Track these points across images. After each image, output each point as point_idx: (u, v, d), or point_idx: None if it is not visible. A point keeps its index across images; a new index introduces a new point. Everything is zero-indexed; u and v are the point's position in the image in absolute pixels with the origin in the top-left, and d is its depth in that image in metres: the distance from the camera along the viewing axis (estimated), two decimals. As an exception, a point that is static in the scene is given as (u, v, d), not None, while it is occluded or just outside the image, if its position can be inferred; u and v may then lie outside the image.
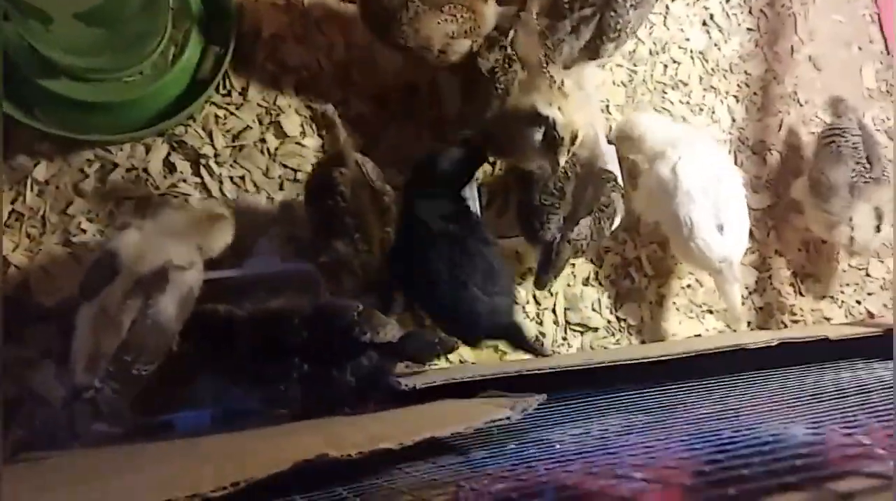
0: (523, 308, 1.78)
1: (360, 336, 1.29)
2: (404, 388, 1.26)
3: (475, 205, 1.58)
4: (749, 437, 0.74)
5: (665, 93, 2.04)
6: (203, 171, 1.62)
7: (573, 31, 1.55)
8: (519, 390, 1.22)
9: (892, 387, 1.18)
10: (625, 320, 1.86)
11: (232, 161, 1.65)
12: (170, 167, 1.61)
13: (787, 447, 0.67)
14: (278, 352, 1.31)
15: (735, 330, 1.94)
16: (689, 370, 1.39)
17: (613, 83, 2.00)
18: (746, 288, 1.99)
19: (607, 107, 1.98)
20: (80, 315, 1.24)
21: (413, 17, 1.46)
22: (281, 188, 1.66)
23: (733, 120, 2.10)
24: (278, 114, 1.69)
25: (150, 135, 1.59)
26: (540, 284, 1.56)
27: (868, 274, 2.14)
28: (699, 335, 1.92)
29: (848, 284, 2.11)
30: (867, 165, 1.86)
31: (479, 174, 1.61)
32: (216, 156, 1.64)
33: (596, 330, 1.83)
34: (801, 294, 2.05)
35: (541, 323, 1.79)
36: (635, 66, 2.03)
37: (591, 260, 1.86)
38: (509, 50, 1.48)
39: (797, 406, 1.09)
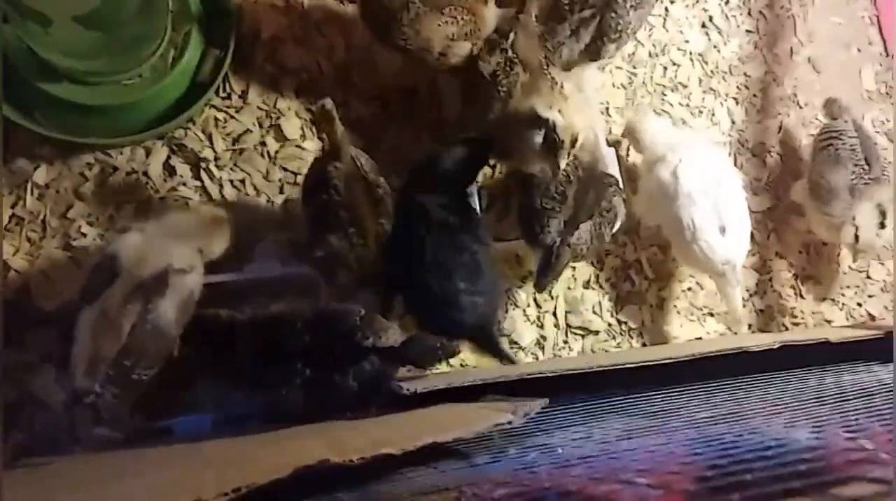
0: (524, 311, 1.78)
1: (362, 340, 1.29)
2: (406, 393, 1.26)
3: (476, 206, 1.58)
4: (752, 441, 0.74)
5: (665, 95, 2.04)
6: (203, 175, 1.62)
7: (573, 33, 1.55)
8: (520, 394, 1.21)
9: (893, 390, 1.17)
10: (626, 323, 1.86)
11: (232, 164, 1.64)
12: (170, 170, 1.61)
13: (791, 451, 0.66)
14: (280, 357, 1.31)
15: (736, 333, 1.94)
16: (691, 373, 1.39)
17: (613, 85, 2.00)
18: (747, 290, 1.99)
19: (607, 109, 1.98)
20: (80, 319, 1.24)
21: (414, 18, 1.46)
22: (281, 191, 1.66)
23: (733, 122, 2.10)
24: (278, 117, 1.69)
25: (150, 139, 1.59)
26: (539, 287, 1.56)
27: (869, 277, 2.14)
28: (700, 338, 1.92)
29: (849, 286, 2.11)
30: (866, 166, 1.86)
31: (479, 177, 1.61)
32: (216, 159, 1.64)
33: (597, 333, 1.82)
34: (801, 296, 2.05)
35: (541, 327, 1.79)
36: (635, 68, 2.03)
37: (592, 263, 1.86)
38: (510, 52, 1.48)
39: (799, 409, 1.09)
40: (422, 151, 1.71)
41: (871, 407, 1.03)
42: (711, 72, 2.11)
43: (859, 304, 2.11)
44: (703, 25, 2.14)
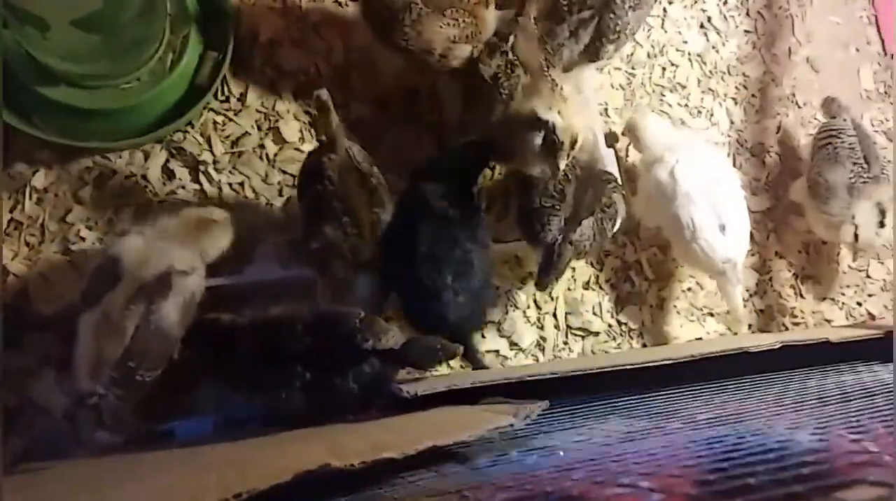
0: (524, 312, 1.78)
1: (362, 343, 1.29)
2: (406, 395, 1.25)
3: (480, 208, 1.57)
4: (754, 444, 0.74)
5: (663, 95, 2.04)
6: (202, 178, 1.62)
7: (573, 34, 1.55)
8: (521, 396, 1.21)
9: (893, 391, 1.17)
10: (626, 324, 1.85)
11: (231, 167, 1.64)
12: (169, 174, 1.60)
13: (793, 454, 0.66)
14: (280, 360, 1.30)
15: (736, 333, 1.94)
16: (692, 374, 1.39)
17: (612, 86, 2.00)
18: (747, 290, 1.99)
19: (606, 110, 1.98)
20: (82, 321, 1.24)
21: (416, 19, 1.47)
22: (280, 194, 1.66)
23: (732, 122, 2.10)
24: (277, 120, 1.69)
25: (149, 142, 1.58)
26: (541, 286, 1.55)
27: (868, 276, 2.14)
28: (700, 338, 1.92)
29: (848, 286, 2.11)
30: (865, 165, 1.86)
31: (479, 179, 1.60)
32: (215, 162, 1.63)
33: (597, 334, 1.82)
34: (801, 296, 2.05)
35: (542, 328, 1.79)
36: (633, 69, 2.03)
37: (592, 264, 1.86)
38: (510, 55, 1.48)
39: (801, 410, 1.09)
40: (422, 153, 1.71)
41: (872, 407, 1.03)
42: (710, 72, 2.11)
43: (859, 303, 2.11)
44: (702, 26, 2.14)
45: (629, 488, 0.65)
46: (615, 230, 1.62)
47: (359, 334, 1.30)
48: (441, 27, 1.49)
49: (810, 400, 1.17)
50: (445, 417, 1.20)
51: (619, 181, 1.65)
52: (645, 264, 1.90)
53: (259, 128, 1.68)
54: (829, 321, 2.07)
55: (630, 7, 1.56)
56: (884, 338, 1.52)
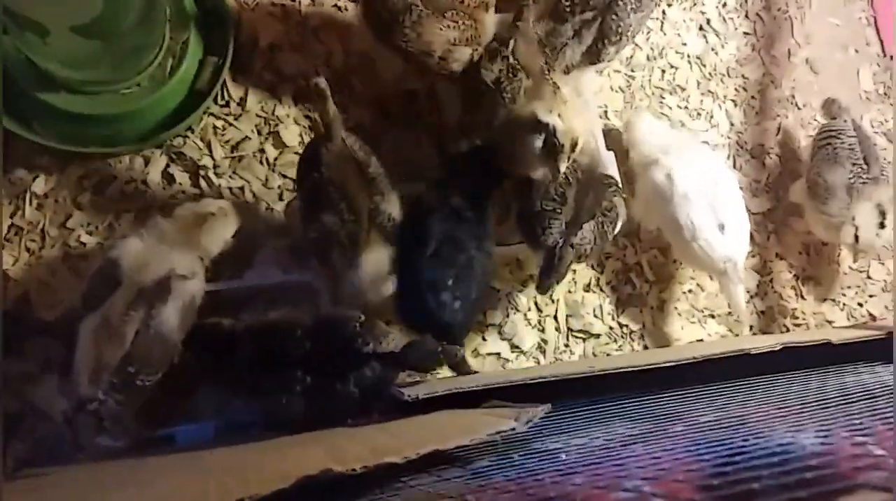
0: (525, 315, 1.78)
1: (363, 346, 1.29)
2: (407, 399, 1.25)
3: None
4: (757, 447, 0.74)
5: (663, 98, 2.04)
6: (202, 183, 1.62)
7: (575, 35, 1.55)
8: (522, 399, 1.21)
9: (893, 391, 1.17)
10: (627, 326, 1.85)
11: (231, 172, 1.64)
12: (169, 179, 1.60)
13: (797, 458, 0.66)
14: (280, 364, 1.30)
15: (738, 333, 1.94)
16: (693, 376, 1.38)
17: (611, 89, 2.00)
18: (748, 291, 1.99)
19: (605, 112, 1.98)
20: (82, 326, 1.24)
21: (416, 21, 1.47)
22: (281, 198, 1.66)
23: (731, 124, 2.10)
24: (277, 124, 1.69)
25: (149, 147, 1.58)
26: (542, 289, 1.55)
27: (869, 277, 2.13)
28: (701, 340, 1.92)
29: (849, 287, 2.11)
30: (864, 166, 1.86)
31: (493, 184, 1.60)
32: (215, 167, 1.63)
33: (598, 336, 1.82)
34: (802, 297, 2.05)
35: (542, 330, 1.78)
36: (633, 71, 2.03)
37: (593, 267, 1.86)
38: (511, 59, 1.48)
39: (803, 412, 1.09)
40: (422, 156, 1.71)
41: (875, 409, 1.03)
42: (709, 74, 2.11)
43: (860, 304, 2.11)
44: (701, 28, 2.14)
45: (632, 493, 0.65)
46: (615, 233, 1.62)
47: (359, 338, 1.30)
48: (441, 29, 1.49)
49: (812, 401, 1.16)
50: (447, 421, 1.19)
51: (620, 184, 1.65)
52: (646, 266, 1.90)
53: (259, 133, 1.68)
54: (830, 322, 2.07)
55: (632, 9, 1.56)
56: (885, 339, 1.52)
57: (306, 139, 1.70)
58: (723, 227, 1.68)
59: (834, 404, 1.12)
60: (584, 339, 1.81)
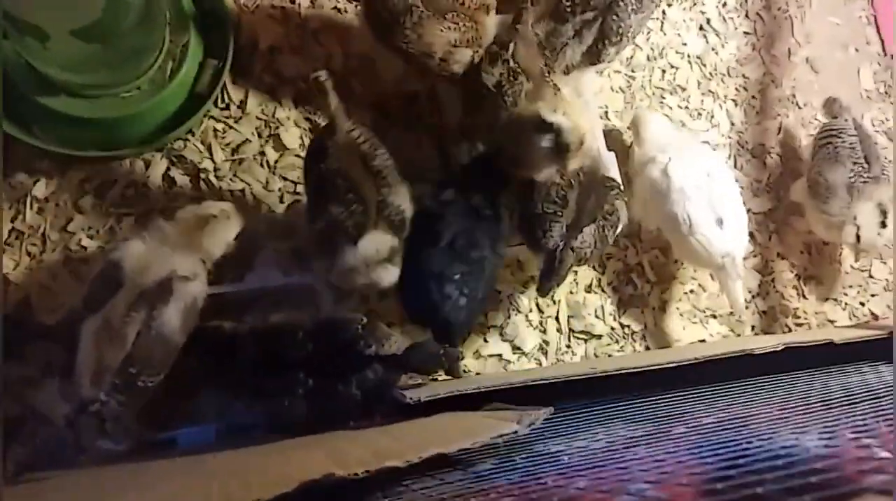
0: (526, 316, 1.77)
1: (365, 349, 1.29)
2: (409, 401, 1.25)
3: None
4: (761, 450, 0.73)
5: (663, 98, 2.04)
6: (203, 186, 1.61)
7: (576, 35, 1.55)
8: (524, 401, 1.21)
9: (893, 391, 1.17)
10: (628, 327, 1.85)
11: (232, 175, 1.64)
12: (169, 182, 1.60)
13: (802, 461, 0.66)
14: (282, 367, 1.30)
15: (740, 333, 1.94)
16: (695, 377, 1.38)
17: (612, 89, 2.00)
18: (749, 291, 1.99)
19: (606, 113, 1.98)
20: (84, 328, 1.24)
21: (416, 22, 1.47)
22: (281, 201, 1.66)
23: (732, 124, 2.10)
24: (277, 127, 1.69)
25: (149, 151, 1.58)
26: (543, 291, 1.55)
27: (871, 276, 2.13)
28: (703, 340, 1.91)
29: (851, 286, 2.11)
30: (865, 165, 1.86)
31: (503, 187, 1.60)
32: (216, 170, 1.63)
33: (599, 337, 1.82)
34: (804, 296, 2.05)
35: (544, 332, 1.78)
36: (633, 71, 2.02)
37: (594, 267, 1.85)
38: (512, 63, 1.48)
39: (807, 413, 1.08)
40: (423, 157, 1.71)
41: (879, 409, 1.02)
42: (710, 74, 2.11)
43: (862, 303, 2.11)
44: (701, 28, 2.14)
45: (635, 497, 0.65)
46: (616, 236, 1.62)
47: (361, 340, 1.30)
48: (441, 31, 1.49)
49: (815, 402, 1.16)
50: (449, 424, 1.19)
51: (621, 185, 1.64)
52: (647, 267, 1.89)
53: (259, 136, 1.68)
54: (832, 322, 2.07)
55: (633, 10, 1.56)
56: (887, 338, 1.52)
57: (307, 141, 1.70)
58: (721, 222, 1.68)
59: (837, 405, 1.12)
60: (585, 340, 1.81)
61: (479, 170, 1.51)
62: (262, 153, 1.67)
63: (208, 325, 1.36)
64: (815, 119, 2.16)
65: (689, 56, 2.09)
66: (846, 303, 2.09)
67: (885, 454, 0.66)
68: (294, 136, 1.69)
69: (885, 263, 2.13)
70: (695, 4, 2.15)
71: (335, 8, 1.79)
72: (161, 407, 1.43)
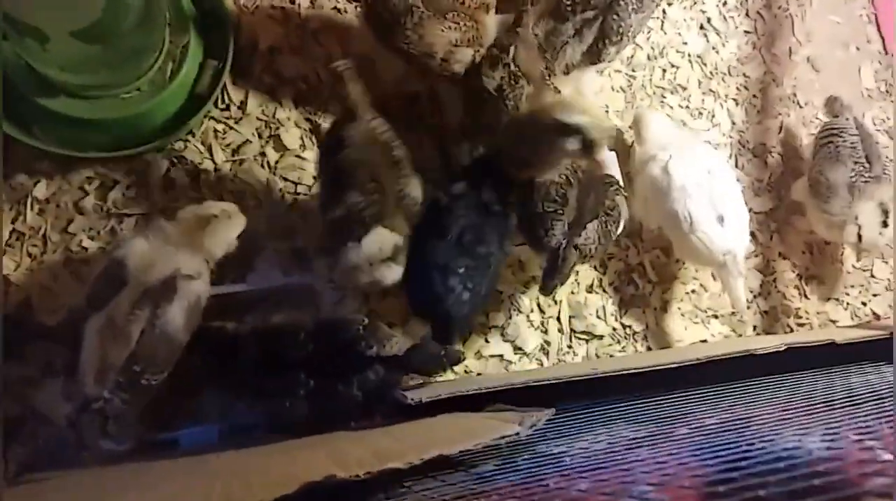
0: (528, 316, 1.77)
1: (366, 350, 1.29)
2: (411, 402, 1.25)
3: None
4: (764, 452, 0.73)
5: (664, 97, 2.03)
6: (203, 186, 1.61)
7: (576, 34, 1.55)
8: (526, 402, 1.21)
9: (893, 390, 1.17)
10: (630, 327, 1.85)
11: (232, 175, 1.64)
12: (170, 183, 1.60)
13: (804, 463, 0.65)
14: (284, 367, 1.30)
15: (740, 330, 1.94)
16: (697, 377, 1.38)
17: (612, 89, 1.99)
18: (751, 291, 1.98)
19: (606, 112, 1.97)
20: (88, 326, 1.24)
21: (417, 22, 1.47)
22: (282, 201, 1.65)
23: (733, 123, 2.10)
24: (277, 128, 1.68)
25: (150, 152, 1.58)
26: (546, 290, 1.55)
27: (873, 276, 2.13)
28: (705, 340, 1.91)
29: (853, 286, 2.10)
30: (866, 164, 1.86)
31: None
32: (216, 170, 1.63)
33: (601, 337, 1.82)
34: (806, 296, 2.05)
35: (545, 332, 1.78)
36: (634, 71, 2.02)
37: (595, 268, 1.85)
38: (512, 66, 1.48)
39: (809, 414, 1.08)
40: (424, 157, 1.70)
41: (881, 410, 1.02)
42: (710, 73, 2.10)
43: (864, 303, 2.10)
44: (702, 27, 2.13)
45: (637, 499, 0.64)
46: (618, 233, 1.62)
47: (362, 341, 1.30)
48: (442, 31, 1.49)
49: (818, 403, 1.16)
50: (450, 425, 1.19)
51: (622, 184, 1.64)
52: (648, 267, 1.89)
53: (260, 136, 1.67)
54: (833, 321, 2.06)
55: (633, 9, 1.56)
56: (889, 339, 1.51)
57: (307, 142, 1.70)
58: (722, 219, 1.67)
59: (840, 406, 1.12)
60: (587, 341, 1.81)
61: (480, 171, 1.51)
62: (263, 154, 1.67)
63: (210, 326, 1.36)
64: (817, 118, 2.16)
65: (689, 55, 2.09)
66: (848, 303, 2.09)
67: (888, 456, 0.66)
68: (294, 137, 1.69)
69: (886, 263, 2.12)
70: (695, 3, 2.14)
71: (335, 8, 1.79)
72: (163, 408, 1.43)
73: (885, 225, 1.83)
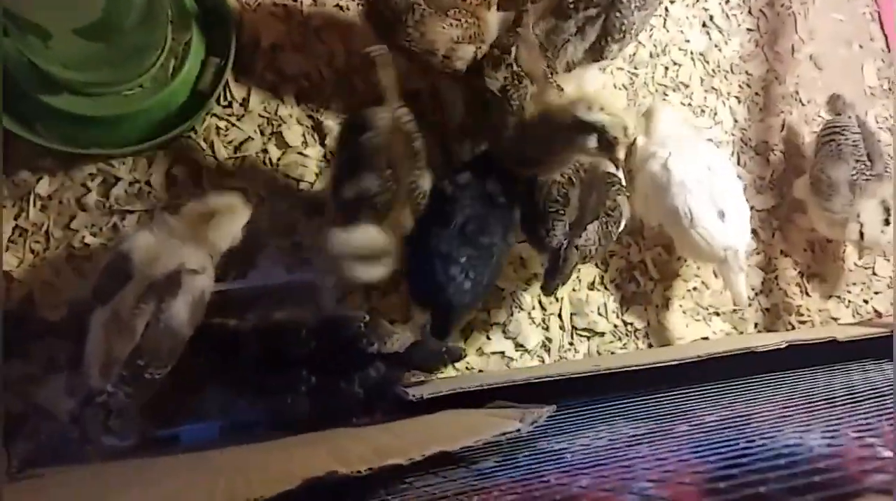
0: (529, 313, 1.77)
1: (367, 346, 1.29)
2: (412, 398, 1.26)
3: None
4: (764, 449, 0.73)
5: (666, 95, 2.03)
6: (205, 183, 1.61)
7: (578, 32, 1.55)
8: (527, 398, 1.21)
9: (893, 390, 1.17)
10: (631, 324, 1.85)
11: (234, 172, 1.64)
12: (172, 179, 1.60)
13: (805, 460, 0.66)
14: (285, 364, 1.31)
15: (741, 327, 1.94)
16: (698, 374, 1.38)
17: (614, 86, 1.99)
18: (753, 288, 1.98)
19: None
20: (93, 319, 1.24)
21: (419, 20, 1.47)
22: (284, 198, 1.65)
23: (735, 121, 2.10)
24: (279, 125, 1.69)
25: (152, 148, 1.58)
26: (547, 291, 1.55)
27: (874, 273, 2.13)
28: (706, 337, 1.91)
29: (855, 283, 2.10)
30: (868, 162, 1.86)
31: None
32: (218, 167, 1.63)
33: (602, 334, 1.82)
34: (807, 294, 2.05)
35: (547, 329, 1.78)
36: (636, 68, 2.02)
37: (597, 265, 1.85)
38: (515, 67, 1.48)
39: (810, 411, 1.08)
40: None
41: (882, 408, 1.02)
42: (713, 71, 2.10)
43: (866, 301, 2.10)
44: (704, 25, 2.13)
45: (638, 495, 0.65)
46: (619, 232, 1.62)
47: (363, 338, 1.30)
48: (444, 28, 1.48)
49: (819, 400, 1.16)
50: (451, 421, 1.20)
51: (623, 181, 1.64)
52: (650, 264, 1.89)
53: (262, 133, 1.68)
54: (835, 319, 2.06)
55: (636, 7, 1.56)
56: (891, 336, 1.51)
57: (309, 139, 1.70)
58: (722, 215, 1.67)
59: (840, 403, 1.12)
60: (588, 338, 1.81)
61: (483, 165, 1.51)
62: (265, 151, 1.67)
63: (212, 322, 1.36)
64: (819, 116, 2.16)
65: (692, 53, 2.09)
66: (850, 301, 2.09)
67: (888, 453, 0.66)
68: (296, 134, 1.69)
69: (888, 260, 2.12)
70: (697, 1, 2.14)
71: (337, 5, 1.79)
72: (165, 404, 1.43)
73: (887, 222, 1.83)
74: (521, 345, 1.75)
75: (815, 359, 1.50)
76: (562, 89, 1.43)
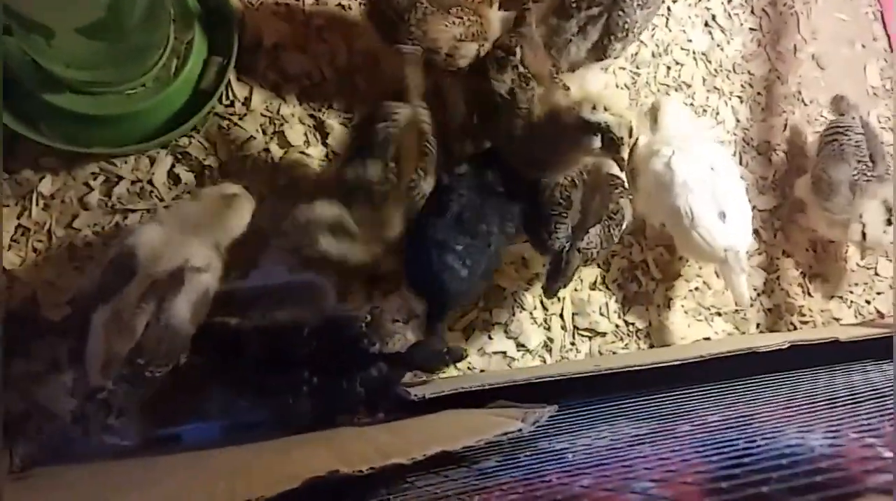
0: (531, 313, 1.77)
1: (369, 346, 1.29)
2: (414, 398, 1.26)
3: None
4: (766, 449, 0.73)
5: (668, 95, 2.03)
6: (207, 182, 1.62)
7: (580, 31, 1.55)
8: (528, 398, 1.21)
9: (893, 390, 1.17)
10: (633, 324, 1.85)
11: (236, 171, 1.64)
12: (174, 179, 1.60)
13: (806, 460, 0.66)
14: (287, 364, 1.31)
15: (743, 327, 1.94)
16: (700, 375, 1.38)
17: (617, 86, 1.99)
18: (755, 289, 1.98)
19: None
20: (94, 318, 1.24)
21: (421, 18, 1.47)
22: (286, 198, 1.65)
23: (737, 121, 2.09)
24: (282, 124, 1.69)
25: (154, 148, 1.58)
26: (549, 293, 1.55)
27: (877, 274, 2.12)
28: (708, 338, 1.91)
29: (857, 284, 2.10)
30: (870, 163, 1.86)
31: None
32: (220, 166, 1.63)
33: (604, 334, 1.82)
34: (809, 294, 2.04)
35: (548, 329, 1.78)
36: (638, 68, 2.02)
37: (599, 265, 1.85)
38: (521, 68, 1.47)
39: (811, 411, 1.08)
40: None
41: (884, 408, 1.02)
42: (715, 71, 2.10)
43: (868, 301, 2.10)
44: (706, 24, 2.13)
45: (640, 495, 0.65)
46: (621, 234, 1.61)
47: (365, 338, 1.30)
48: (446, 26, 1.48)
49: (821, 400, 1.16)
50: (453, 421, 1.20)
51: (626, 183, 1.64)
52: (651, 264, 1.89)
53: (264, 133, 1.68)
54: (837, 319, 2.06)
55: (638, 6, 1.56)
56: (892, 337, 1.51)
57: (311, 138, 1.70)
58: (724, 215, 1.67)
59: (842, 403, 1.12)
60: (590, 338, 1.81)
61: (483, 159, 1.51)
62: (267, 150, 1.67)
63: (213, 322, 1.36)
64: (822, 116, 2.16)
65: (694, 52, 2.09)
66: (852, 301, 2.08)
67: (889, 453, 0.66)
68: (298, 133, 1.69)
69: (890, 261, 2.12)
70: (700, 1, 2.14)
71: (339, 5, 1.79)
72: (166, 404, 1.43)
73: (889, 223, 1.82)
74: (523, 345, 1.75)
75: (817, 360, 1.50)
76: (568, 89, 1.43)
